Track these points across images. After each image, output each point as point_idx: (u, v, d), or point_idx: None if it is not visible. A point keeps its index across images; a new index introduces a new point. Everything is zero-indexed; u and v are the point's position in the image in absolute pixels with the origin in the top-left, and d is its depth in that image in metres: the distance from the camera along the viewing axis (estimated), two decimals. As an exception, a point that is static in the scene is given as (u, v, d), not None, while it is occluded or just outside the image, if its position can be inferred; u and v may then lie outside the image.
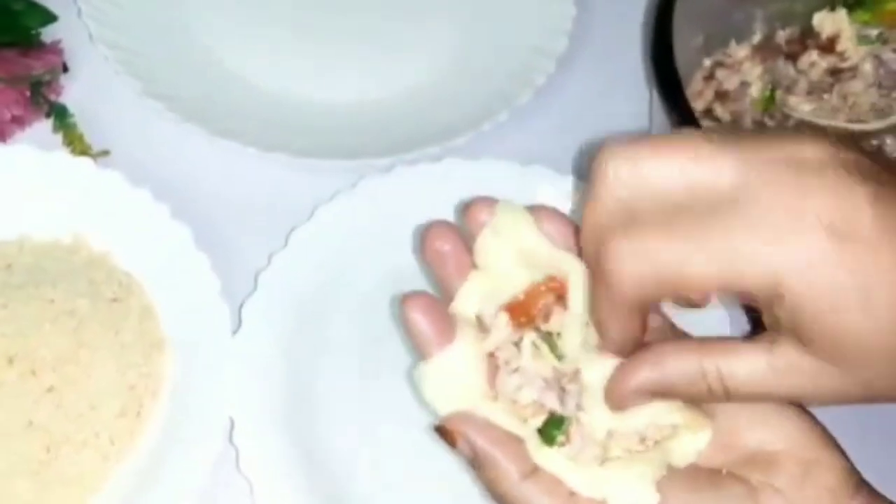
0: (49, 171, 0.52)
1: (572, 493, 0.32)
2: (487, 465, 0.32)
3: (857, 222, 0.27)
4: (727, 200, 0.28)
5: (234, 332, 0.49)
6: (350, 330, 0.51)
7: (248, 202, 0.55)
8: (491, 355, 0.33)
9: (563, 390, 0.32)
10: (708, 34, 0.57)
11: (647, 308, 0.30)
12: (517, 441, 0.32)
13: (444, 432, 0.33)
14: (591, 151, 0.30)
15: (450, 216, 0.53)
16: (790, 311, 0.28)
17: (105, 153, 0.55)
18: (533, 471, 0.32)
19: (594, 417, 0.32)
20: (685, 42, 0.52)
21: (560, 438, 0.32)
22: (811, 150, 0.28)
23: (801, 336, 0.28)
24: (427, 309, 0.32)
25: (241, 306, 0.49)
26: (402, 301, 0.33)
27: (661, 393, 0.31)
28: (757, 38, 0.59)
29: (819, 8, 0.58)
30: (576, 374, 0.32)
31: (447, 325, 0.33)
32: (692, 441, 0.32)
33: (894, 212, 0.27)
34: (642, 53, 0.61)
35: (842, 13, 0.58)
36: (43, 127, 0.55)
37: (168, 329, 0.49)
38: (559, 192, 0.53)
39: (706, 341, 0.31)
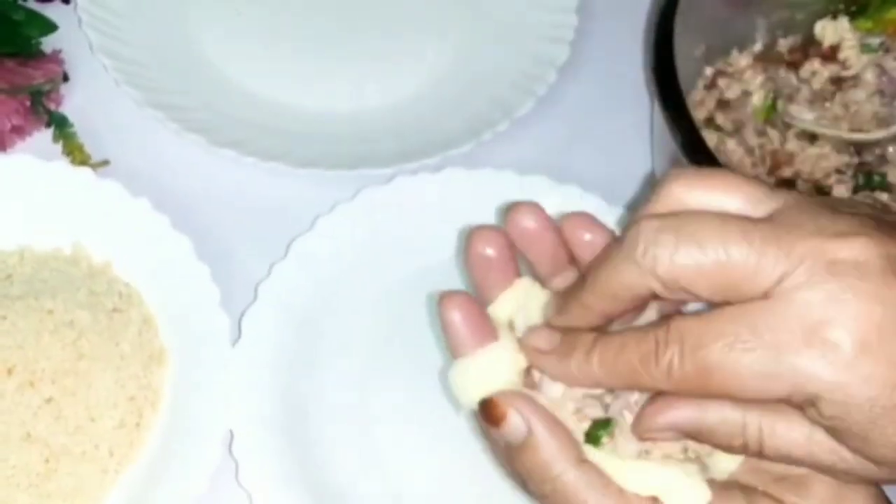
0: (49, 181, 0.52)
1: (621, 491, 0.31)
2: (539, 447, 0.30)
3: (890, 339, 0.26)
4: (763, 293, 0.27)
5: (234, 343, 0.48)
6: (350, 341, 0.51)
7: (248, 212, 0.55)
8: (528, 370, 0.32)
9: (606, 405, 0.32)
10: (709, 43, 0.57)
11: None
12: (568, 430, 0.31)
13: (493, 406, 0.31)
14: (630, 218, 0.30)
15: (450, 226, 0.53)
16: (828, 418, 0.28)
17: (105, 163, 0.54)
18: (583, 461, 0.31)
19: None
20: (686, 51, 0.52)
21: (604, 440, 0.31)
22: (855, 250, 0.27)
23: (838, 437, 0.28)
24: (464, 308, 0.32)
25: (240, 317, 0.49)
26: (440, 300, 0.32)
27: (695, 435, 0.30)
28: (758, 46, 0.58)
29: (821, 16, 0.58)
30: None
31: (483, 325, 0.32)
32: (731, 457, 0.32)
33: None
34: (643, 63, 0.61)
35: (844, 21, 0.58)
36: (43, 137, 0.55)
37: (168, 340, 0.49)
38: (560, 203, 0.53)
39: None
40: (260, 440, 0.46)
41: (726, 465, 0.32)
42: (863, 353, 0.27)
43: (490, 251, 0.33)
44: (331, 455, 0.47)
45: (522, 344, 0.32)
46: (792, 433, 0.29)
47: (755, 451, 0.30)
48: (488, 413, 0.31)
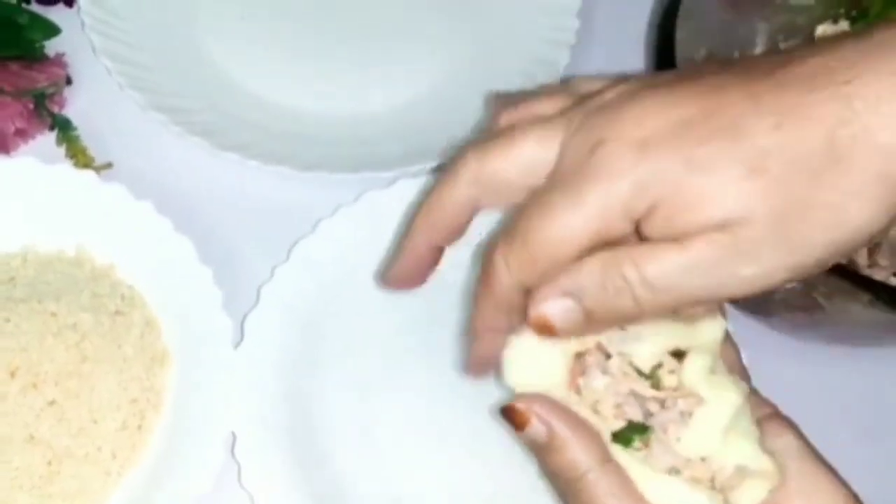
0: (52, 184, 0.52)
1: (641, 498, 0.31)
2: (563, 449, 0.31)
3: (651, 125, 0.30)
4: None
5: (237, 345, 0.49)
6: (352, 343, 0.51)
7: (251, 215, 0.55)
8: (580, 354, 0.33)
9: (648, 412, 0.32)
10: (711, 48, 0.57)
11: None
12: (593, 430, 0.32)
13: (514, 412, 0.32)
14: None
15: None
16: (652, 224, 0.30)
17: (108, 166, 0.55)
18: (607, 461, 0.31)
19: (687, 441, 0.31)
20: (688, 55, 0.52)
21: (636, 444, 0.31)
22: (611, 92, 0.32)
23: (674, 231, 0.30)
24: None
25: (243, 319, 0.49)
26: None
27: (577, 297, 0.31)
28: (759, 51, 0.59)
29: (821, 21, 0.58)
30: (665, 402, 0.32)
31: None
32: (756, 491, 0.31)
33: (689, 98, 0.30)
34: (645, 67, 0.61)
35: (844, 26, 0.58)
36: (46, 140, 0.55)
37: (170, 342, 0.49)
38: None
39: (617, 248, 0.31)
40: (262, 442, 0.46)
41: (754, 495, 0.31)
42: (636, 146, 0.30)
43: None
44: (333, 457, 0.47)
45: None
46: (667, 265, 0.30)
47: (645, 297, 0.30)
48: (511, 418, 0.32)
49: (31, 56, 0.56)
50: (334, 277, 0.52)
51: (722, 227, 0.29)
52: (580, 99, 0.33)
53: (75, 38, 0.58)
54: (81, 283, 0.50)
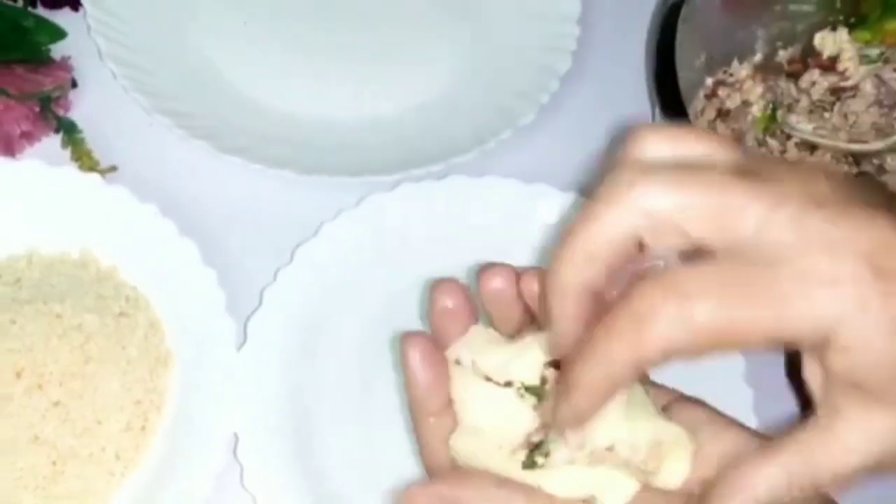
0: (57, 187, 0.52)
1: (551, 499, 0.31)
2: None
3: (894, 257, 0.26)
4: (754, 244, 0.26)
5: (240, 348, 0.49)
6: (355, 346, 0.51)
7: (254, 218, 0.55)
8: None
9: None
10: (710, 53, 0.57)
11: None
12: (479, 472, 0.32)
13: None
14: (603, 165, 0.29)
15: (453, 233, 0.54)
16: (845, 358, 0.26)
17: (113, 169, 0.55)
18: (503, 483, 0.31)
19: (590, 436, 0.31)
20: (688, 61, 0.52)
21: (540, 460, 0.32)
22: (827, 185, 0.27)
23: (859, 382, 0.27)
24: (425, 349, 0.33)
25: (246, 322, 0.50)
26: (403, 339, 0.33)
27: None
28: (758, 57, 0.59)
29: (820, 28, 0.59)
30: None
31: (440, 366, 0.33)
32: (678, 463, 0.31)
33: None
34: (645, 73, 0.61)
35: (843, 32, 0.59)
36: (52, 142, 0.56)
37: (174, 344, 0.50)
38: (562, 210, 0.54)
39: (776, 448, 0.29)
40: (265, 444, 0.47)
41: (671, 478, 0.31)
42: (875, 278, 0.25)
43: (449, 303, 0.34)
44: (335, 459, 0.48)
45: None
46: (825, 457, 0.28)
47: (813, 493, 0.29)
48: None
49: (37, 59, 0.57)
50: (337, 280, 0.52)
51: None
52: (757, 162, 0.28)
53: (81, 42, 0.58)
54: (86, 285, 0.50)
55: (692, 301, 0.26)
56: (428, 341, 0.33)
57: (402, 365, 0.33)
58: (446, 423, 0.33)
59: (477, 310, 0.34)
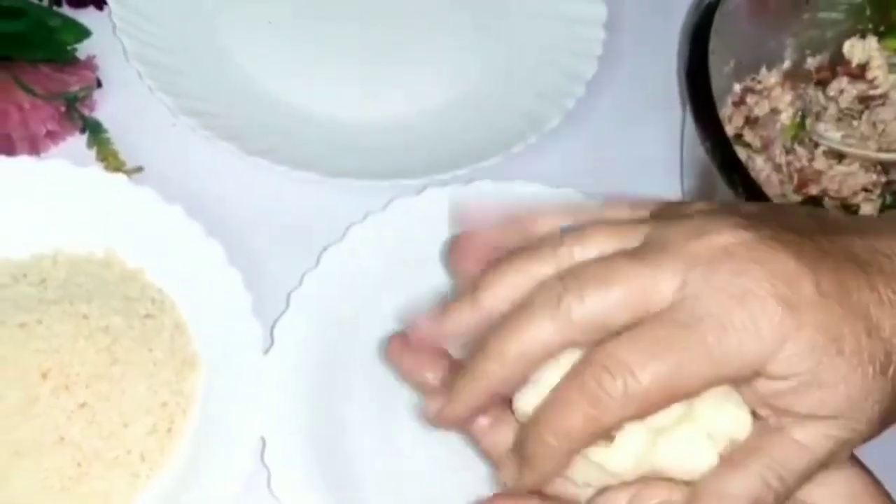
0: (83, 186, 0.52)
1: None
2: None
3: (800, 288, 0.29)
4: (672, 307, 0.30)
5: (266, 351, 0.49)
6: (380, 350, 0.51)
7: (281, 221, 0.55)
8: None
9: None
10: (739, 60, 0.57)
11: None
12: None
13: None
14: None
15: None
16: (774, 386, 0.30)
17: (139, 169, 0.55)
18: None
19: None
20: (717, 67, 0.52)
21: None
22: (730, 236, 0.30)
23: (788, 406, 0.30)
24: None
25: (272, 325, 0.49)
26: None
27: None
28: (787, 64, 0.59)
29: (849, 36, 0.59)
30: None
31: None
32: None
33: (822, 269, 0.30)
34: (678, 77, 0.61)
35: (872, 41, 0.58)
36: (77, 142, 0.55)
37: (200, 346, 0.49)
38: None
39: (742, 456, 0.31)
40: (292, 448, 0.46)
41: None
42: (785, 311, 0.29)
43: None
44: (361, 465, 0.48)
45: None
46: (786, 448, 0.31)
47: (786, 491, 0.31)
48: None
49: (63, 59, 0.57)
50: (364, 283, 0.52)
51: (834, 417, 0.30)
52: (662, 222, 0.32)
53: (105, 42, 0.58)
54: (111, 286, 0.50)
55: (635, 370, 0.29)
56: (402, 337, 0.35)
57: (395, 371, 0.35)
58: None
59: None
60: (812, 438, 0.30)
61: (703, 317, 0.29)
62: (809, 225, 0.32)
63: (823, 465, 0.31)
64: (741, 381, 0.30)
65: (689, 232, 0.31)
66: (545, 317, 0.30)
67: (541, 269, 0.32)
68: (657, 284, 0.30)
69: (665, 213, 0.33)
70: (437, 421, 0.33)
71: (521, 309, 0.31)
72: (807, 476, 0.31)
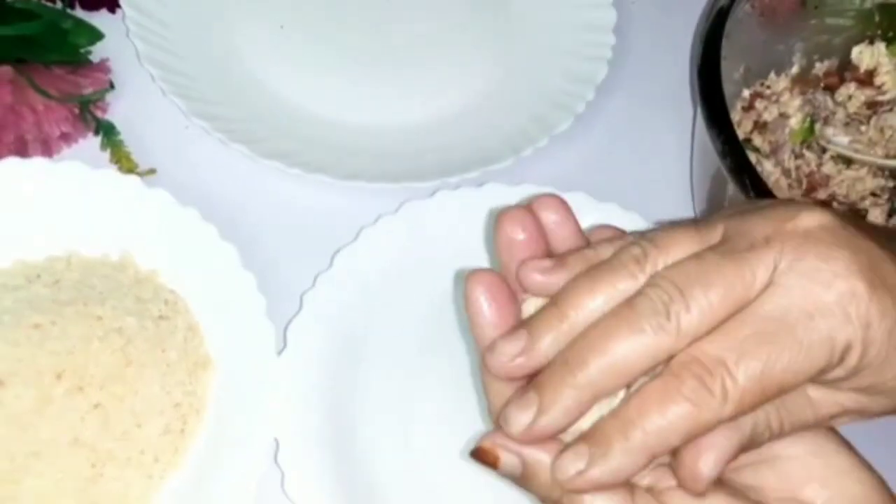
0: (97, 188, 0.52)
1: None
2: (539, 473, 0.31)
3: (884, 275, 0.30)
4: (762, 297, 0.30)
5: (280, 352, 0.49)
6: (394, 351, 0.51)
7: (293, 223, 0.55)
8: None
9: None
10: (748, 65, 0.57)
11: None
12: (560, 442, 0.31)
13: (483, 453, 0.31)
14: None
15: (489, 239, 0.54)
16: (855, 366, 0.30)
17: (152, 171, 0.55)
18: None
19: None
20: (727, 73, 0.52)
21: None
22: (817, 218, 0.30)
23: (851, 383, 0.31)
24: (492, 288, 0.32)
25: (286, 326, 0.50)
26: (468, 278, 0.32)
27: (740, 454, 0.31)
28: (795, 69, 0.59)
29: (858, 42, 0.59)
30: None
31: (509, 307, 0.32)
32: None
33: None
34: (690, 80, 0.61)
35: (880, 47, 0.59)
36: (90, 144, 0.56)
37: (213, 348, 0.50)
38: (598, 219, 0.54)
39: None
40: (305, 450, 0.47)
41: None
42: (873, 290, 0.29)
43: (521, 235, 0.33)
44: (375, 466, 0.48)
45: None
46: (798, 399, 0.31)
47: (778, 434, 0.31)
48: (483, 459, 0.31)
49: (76, 61, 0.57)
50: (376, 286, 0.52)
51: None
52: (736, 217, 0.32)
53: (117, 44, 0.58)
54: (125, 288, 0.50)
55: (730, 369, 0.29)
56: (494, 277, 0.32)
57: (466, 306, 0.32)
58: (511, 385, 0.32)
59: (546, 238, 0.33)
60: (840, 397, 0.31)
61: (791, 307, 0.29)
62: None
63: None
64: (834, 368, 0.30)
65: (774, 218, 0.30)
66: (655, 328, 0.29)
67: (629, 284, 0.30)
68: (754, 276, 0.30)
69: (735, 211, 0.32)
70: (528, 434, 0.31)
71: (623, 321, 0.30)
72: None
